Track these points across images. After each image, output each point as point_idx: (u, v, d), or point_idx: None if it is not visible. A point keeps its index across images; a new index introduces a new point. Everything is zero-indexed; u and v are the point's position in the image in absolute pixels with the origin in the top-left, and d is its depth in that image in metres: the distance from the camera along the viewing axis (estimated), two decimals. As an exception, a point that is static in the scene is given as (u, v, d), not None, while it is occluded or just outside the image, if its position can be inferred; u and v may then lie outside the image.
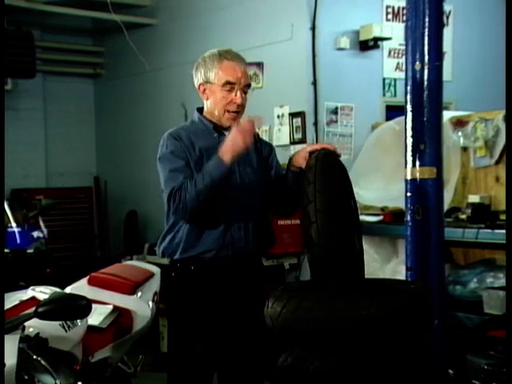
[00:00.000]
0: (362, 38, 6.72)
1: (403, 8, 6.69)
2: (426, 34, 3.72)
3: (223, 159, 3.19)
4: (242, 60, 3.39)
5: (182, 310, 3.42)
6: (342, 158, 3.37)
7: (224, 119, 3.37)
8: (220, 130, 3.39)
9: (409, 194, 3.82)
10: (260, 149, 3.48)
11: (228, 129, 3.36)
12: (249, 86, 3.38)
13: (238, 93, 3.32)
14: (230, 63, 3.34)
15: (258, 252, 3.49)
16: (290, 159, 3.39)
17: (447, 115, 5.54)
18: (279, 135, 6.72)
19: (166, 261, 3.52)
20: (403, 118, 3.87)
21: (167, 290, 3.54)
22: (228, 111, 3.35)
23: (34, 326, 2.78)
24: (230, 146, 3.20)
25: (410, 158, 3.80)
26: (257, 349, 3.35)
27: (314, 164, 3.07)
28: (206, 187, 3.20)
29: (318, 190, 3.00)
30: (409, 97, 3.80)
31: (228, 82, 3.31)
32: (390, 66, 7.04)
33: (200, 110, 3.47)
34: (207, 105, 3.42)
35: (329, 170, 3.10)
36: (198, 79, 3.41)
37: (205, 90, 3.38)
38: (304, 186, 3.06)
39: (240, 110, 3.37)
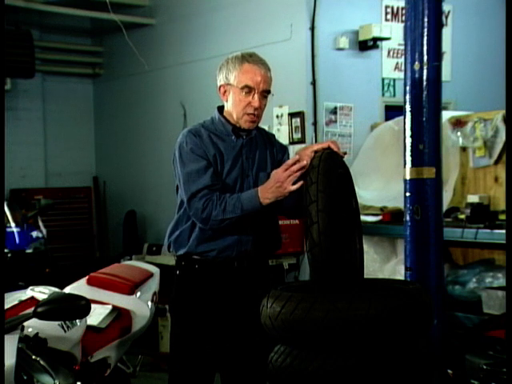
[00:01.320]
0: (361, 38, 6.73)
1: (402, 8, 6.70)
2: (425, 34, 3.72)
3: (261, 198, 3.20)
4: (264, 65, 3.36)
5: (184, 308, 3.42)
6: (342, 158, 3.37)
7: (242, 121, 3.37)
8: (238, 133, 3.40)
9: (408, 194, 3.81)
10: (275, 153, 3.48)
11: (246, 131, 3.37)
12: (268, 91, 3.37)
13: (256, 96, 3.31)
14: (250, 67, 3.32)
15: (264, 254, 3.50)
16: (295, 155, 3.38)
17: (446, 115, 5.54)
18: (278, 135, 6.69)
19: (165, 261, 3.51)
20: (402, 118, 3.87)
21: (171, 288, 3.54)
22: (246, 114, 3.35)
23: (33, 326, 2.78)
24: (273, 187, 3.18)
25: (408, 158, 3.79)
26: (259, 349, 3.34)
27: (318, 164, 3.07)
28: (234, 214, 3.22)
29: (320, 189, 3.00)
30: (408, 97, 3.80)
31: (246, 86, 3.31)
32: (389, 66, 7.04)
33: (220, 108, 3.48)
34: (227, 106, 3.42)
35: (332, 170, 3.09)
36: (219, 80, 3.41)
37: (225, 91, 3.38)
38: (307, 186, 3.06)
39: (258, 113, 3.36)
